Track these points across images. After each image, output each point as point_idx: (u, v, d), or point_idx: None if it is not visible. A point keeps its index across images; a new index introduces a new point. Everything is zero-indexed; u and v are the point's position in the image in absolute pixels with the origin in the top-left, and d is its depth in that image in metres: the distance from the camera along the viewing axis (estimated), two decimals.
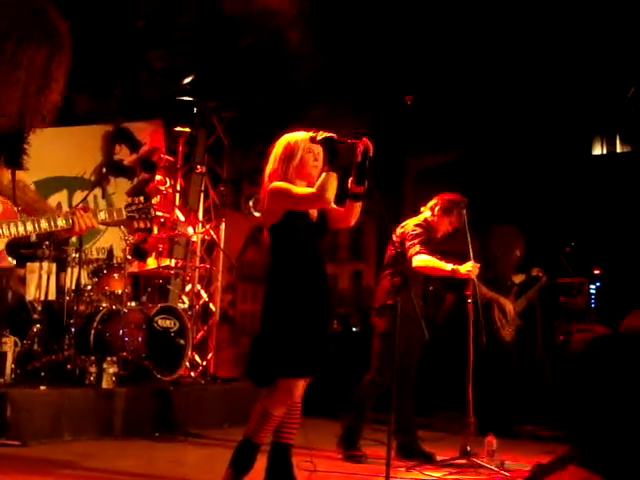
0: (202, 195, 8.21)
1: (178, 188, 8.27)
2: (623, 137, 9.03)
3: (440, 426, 6.92)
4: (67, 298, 6.65)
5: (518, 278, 7.33)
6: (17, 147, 3.54)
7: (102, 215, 3.57)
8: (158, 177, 7.84)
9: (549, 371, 7.74)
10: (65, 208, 7.82)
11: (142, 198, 3.81)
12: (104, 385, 6.12)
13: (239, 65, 7.71)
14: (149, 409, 6.23)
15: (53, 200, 7.97)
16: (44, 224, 3.40)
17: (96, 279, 6.94)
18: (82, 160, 7.87)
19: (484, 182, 8.56)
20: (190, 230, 8.08)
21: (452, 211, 5.64)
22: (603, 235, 8.11)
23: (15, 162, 3.55)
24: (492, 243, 7.25)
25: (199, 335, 8.10)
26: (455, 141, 8.63)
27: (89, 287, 6.88)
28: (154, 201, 7.77)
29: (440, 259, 5.44)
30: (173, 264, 7.69)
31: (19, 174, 3.53)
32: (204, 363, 7.95)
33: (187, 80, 7.96)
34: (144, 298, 7.22)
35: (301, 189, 3.96)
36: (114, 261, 6.99)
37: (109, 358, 6.24)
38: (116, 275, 6.94)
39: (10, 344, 5.97)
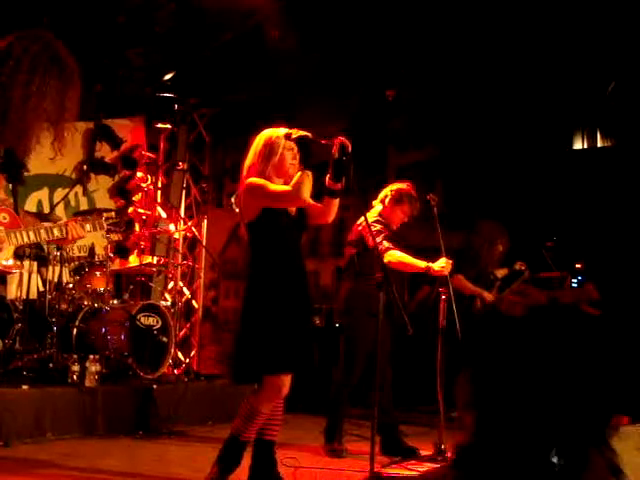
0: (184, 192, 8.19)
1: (160, 185, 8.25)
2: (604, 132, 9.06)
3: (423, 420, 6.94)
4: (49, 296, 6.61)
5: (501, 272, 7.35)
6: (20, 164, 3.70)
7: (88, 227, 3.79)
8: (139, 174, 7.81)
9: None
10: (46, 206, 7.78)
11: (113, 214, 4.13)
12: (87, 384, 6.09)
13: (220, 61, 7.68)
14: (132, 407, 6.20)
15: (34, 198, 7.93)
16: (43, 234, 3.64)
17: (78, 277, 6.90)
18: (63, 158, 7.80)
19: (466, 178, 8.59)
20: (172, 227, 8.06)
21: (403, 201, 5.60)
22: (585, 229, 8.14)
23: (18, 178, 3.72)
24: (475, 238, 7.27)
25: (182, 333, 8.08)
26: (436, 137, 8.64)
27: (71, 285, 6.84)
28: (135, 198, 7.80)
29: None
30: (155, 261, 7.67)
31: None
32: (187, 360, 7.93)
33: (168, 76, 7.92)
34: (126, 296, 7.19)
35: (277, 187, 3.96)
36: (96, 259, 6.95)
37: (91, 356, 6.21)
38: (98, 273, 6.90)
39: None
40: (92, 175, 7.78)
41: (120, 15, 7.29)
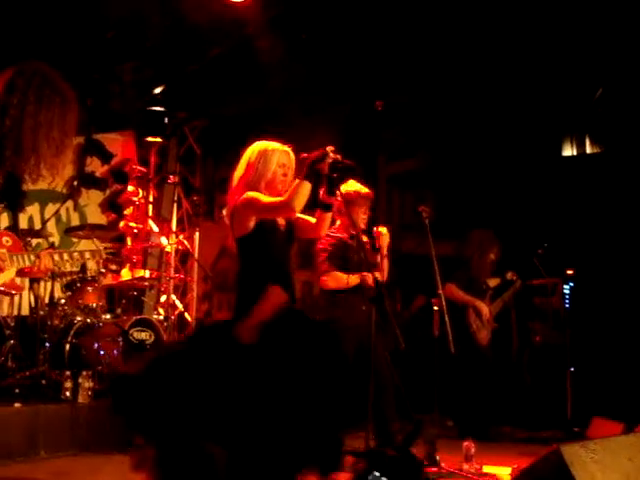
0: (175, 205, 8.19)
1: (151, 199, 8.24)
2: (593, 138, 9.10)
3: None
4: (41, 313, 6.60)
5: (493, 282, 7.38)
6: (20, 192, 3.83)
7: (57, 257, 4.19)
8: (130, 188, 7.80)
9: (526, 371, 7.81)
10: (37, 222, 7.78)
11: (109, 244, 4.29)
12: (80, 400, 6.06)
13: (209, 74, 7.70)
14: None
15: (25, 214, 7.92)
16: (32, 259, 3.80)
17: (70, 293, 6.89)
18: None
19: (456, 186, 8.62)
20: (164, 240, 8.05)
21: (355, 202, 5.48)
22: (575, 236, 8.17)
23: (17, 205, 3.88)
24: (466, 247, 7.30)
25: None
26: (426, 146, 8.67)
27: (63, 301, 6.83)
28: (127, 212, 7.80)
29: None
30: (147, 275, 7.65)
31: None
32: None
33: (158, 90, 7.94)
34: (119, 310, 7.18)
35: (268, 198, 3.96)
36: (87, 274, 6.93)
37: (84, 372, 6.19)
38: (90, 288, 6.89)
39: None
40: (83, 190, 7.77)
41: (110, 30, 7.31)
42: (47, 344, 6.42)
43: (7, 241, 4.12)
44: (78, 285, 6.88)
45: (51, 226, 7.66)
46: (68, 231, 7.33)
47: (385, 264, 5.39)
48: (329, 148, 3.94)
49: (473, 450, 5.31)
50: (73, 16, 6.91)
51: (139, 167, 7.99)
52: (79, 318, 6.73)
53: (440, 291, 5.38)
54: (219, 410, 3.62)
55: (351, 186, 5.58)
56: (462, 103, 8.34)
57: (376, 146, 8.75)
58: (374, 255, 5.33)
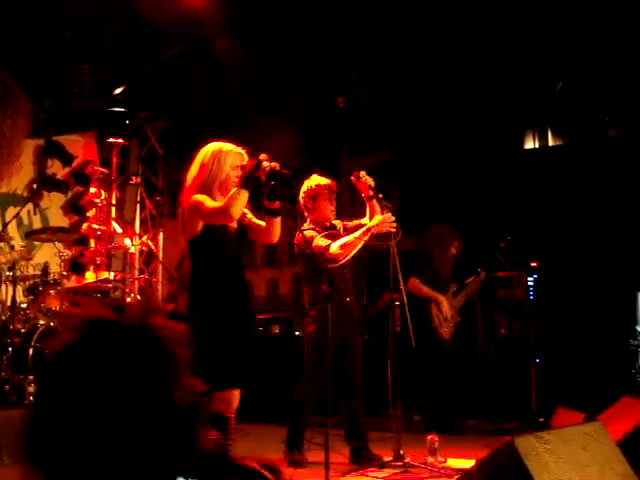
0: (138, 206, 8.14)
1: (114, 200, 8.18)
2: (555, 130, 9.16)
3: (386, 425, 6.97)
4: (2, 317, 6.55)
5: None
6: None
7: None
8: (93, 190, 7.72)
9: (492, 364, 7.86)
10: None
11: None
12: None
13: (169, 74, 7.67)
14: None
15: None
16: None
17: (32, 296, 6.83)
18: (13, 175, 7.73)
19: (419, 180, 8.65)
20: (127, 242, 8.00)
21: (319, 195, 5.57)
22: (539, 228, 8.23)
23: None
24: (427, 242, 7.33)
25: None
26: (388, 140, 8.69)
27: (25, 305, 6.77)
28: (89, 214, 7.73)
29: None
30: (112, 277, 7.60)
31: None
32: None
33: (118, 91, 7.89)
34: None
35: (212, 203, 3.96)
36: (50, 277, 6.88)
37: None
38: (52, 291, 6.83)
39: None
40: (44, 192, 7.70)
41: (67, 30, 7.26)
42: (10, 349, 6.36)
43: None
44: (40, 289, 6.82)
45: (12, 230, 7.59)
46: (29, 234, 7.26)
47: (374, 206, 5.41)
48: (262, 157, 3.99)
49: (437, 444, 5.34)
50: (30, 16, 6.85)
51: (101, 168, 7.92)
52: (42, 322, 6.66)
53: (401, 286, 5.39)
54: None
55: (312, 180, 5.61)
56: (423, 97, 8.36)
57: (338, 142, 8.76)
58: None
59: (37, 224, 7.94)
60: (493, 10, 7.50)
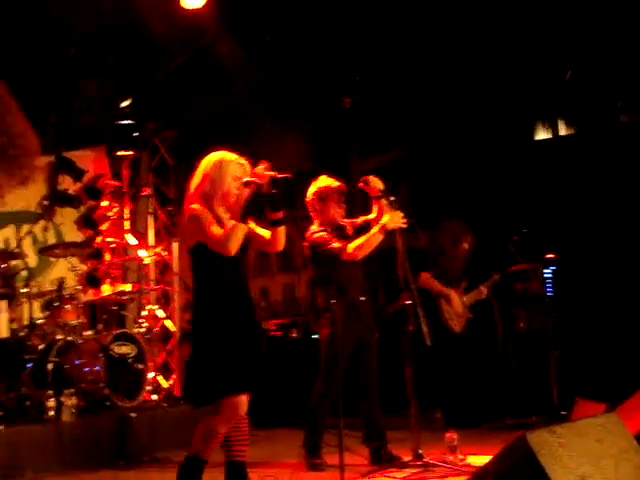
0: (151, 217, 8.18)
1: (126, 212, 8.21)
2: (566, 120, 9.10)
3: (405, 425, 6.93)
4: (21, 334, 6.59)
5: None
6: None
7: None
8: (105, 203, 7.77)
9: (512, 359, 7.81)
10: (13, 243, 7.75)
11: None
12: (64, 418, 6.08)
13: (174, 84, 7.70)
14: (112, 438, 6.18)
15: (1, 236, 7.92)
16: None
17: (48, 312, 6.87)
18: (26, 193, 7.78)
19: (430, 177, 8.61)
20: (142, 253, 8.03)
21: (327, 198, 5.53)
22: (553, 220, 8.17)
23: None
24: (439, 238, 7.31)
25: (161, 358, 8.05)
26: (397, 138, 8.67)
27: (42, 321, 6.81)
28: (103, 227, 7.78)
29: None
30: (128, 289, 7.63)
31: None
32: (168, 385, 7.89)
33: (125, 103, 7.93)
34: (100, 326, 7.16)
35: (213, 229, 3.95)
36: (65, 292, 6.92)
37: (67, 391, 6.19)
38: (68, 306, 6.86)
39: None
40: (57, 208, 7.75)
41: (71, 47, 7.31)
42: (29, 365, 6.41)
43: None
44: (56, 304, 6.86)
45: (27, 247, 7.64)
46: (43, 250, 7.31)
47: (383, 205, 5.41)
48: (259, 169, 4.01)
49: (456, 441, 5.31)
50: (33, 35, 6.91)
51: (112, 182, 7.97)
52: (60, 336, 6.70)
53: (412, 285, 5.36)
54: None
55: (321, 182, 5.58)
56: (432, 92, 8.33)
57: (347, 143, 8.75)
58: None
59: (52, 240, 7.99)
60: (501, 1, 7.47)
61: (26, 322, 6.74)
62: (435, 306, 7.02)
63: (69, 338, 6.68)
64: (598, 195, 8.01)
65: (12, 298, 6.68)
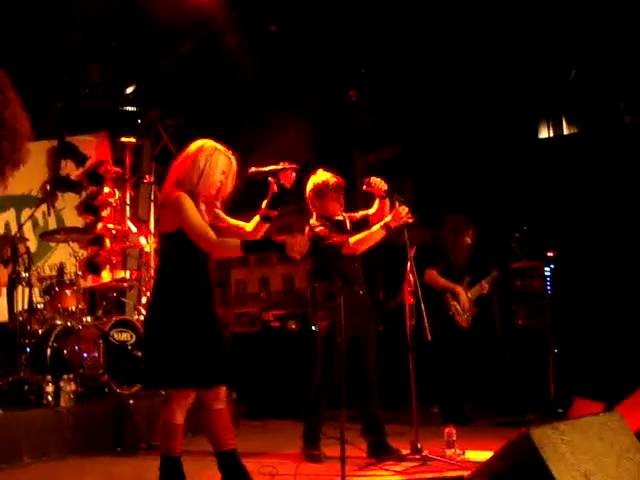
0: (153, 204, 8.15)
1: (128, 199, 8.20)
2: (569, 119, 9.10)
3: (405, 419, 6.95)
4: (20, 318, 6.59)
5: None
6: None
7: None
8: (107, 189, 7.76)
9: (509, 356, 7.83)
10: (14, 227, 7.75)
11: None
12: (62, 404, 6.06)
13: (180, 72, 7.68)
14: (109, 424, 6.16)
15: (1, 220, 7.90)
16: None
17: (48, 297, 6.87)
18: (28, 177, 7.78)
19: (433, 173, 8.61)
20: (142, 241, 8.01)
21: (326, 193, 5.49)
22: (555, 218, 8.18)
23: None
24: (442, 232, 7.32)
25: None
26: (401, 134, 8.66)
27: (41, 306, 6.81)
28: (104, 214, 7.77)
29: None
30: (128, 276, 7.62)
31: None
32: None
33: (129, 90, 7.91)
34: (100, 312, 7.16)
35: (203, 227, 3.88)
36: (65, 278, 6.91)
37: (66, 376, 6.18)
38: (68, 291, 6.87)
39: None
40: (58, 193, 7.74)
41: (77, 31, 7.28)
42: (28, 349, 6.40)
43: None
44: (56, 289, 6.86)
45: (28, 231, 7.63)
46: (44, 235, 7.30)
47: (386, 204, 5.42)
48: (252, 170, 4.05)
49: (455, 436, 5.33)
50: (39, 19, 6.87)
51: (114, 168, 7.96)
52: (59, 322, 6.72)
53: (416, 279, 5.36)
54: None
55: (319, 177, 5.54)
56: (436, 88, 8.32)
57: (351, 137, 8.73)
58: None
59: (52, 225, 7.98)
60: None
61: (26, 307, 6.72)
62: (441, 302, 7.03)
63: (68, 324, 6.69)
64: (599, 195, 8.02)
65: (12, 283, 6.67)
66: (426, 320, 5.19)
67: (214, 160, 3.99)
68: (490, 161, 8.49)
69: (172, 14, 6.69)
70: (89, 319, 6.94)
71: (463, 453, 5.30)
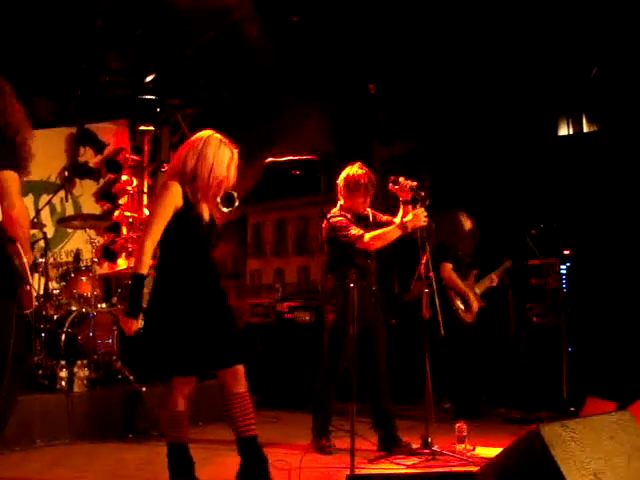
0: None
1: (145, 187, 8.23)
2: (589, 116, 9.03)
3: (416, 414, 6.94)
4: (36, 303, 6.62)
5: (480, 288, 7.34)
6: None
7: None
8: (124, 177, 7.80)
9: (523, 353, 7.80)
10: (31, 212, 7.78)
11: None
12: (75, 389, 6.11)
13: (200, 61, 7.68)
14: (121, 411, 6.20)
15: None
16: None
17: (64, 283, 6.91)
18: (47, 163, 7.82)
19: (450, 167, 8.58)
20: None
21: (355, 188, 5.46)
22: (573, 216, 8.13)
23: None
24: (443, 230, 7.23)
25: None
26: (420, 127, 8.63)
27: (57, 291, 6.84)
28: (121, 201, 7.81)
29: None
30: None
31: None
32: None
33: (149, 79, 7.93)
34: (115, 299, 7.19)
35: (159, 221, 3.84)
36: (81, 264, 6.95)
37: (80, 362, 6.22)
38: (84, 278, 6.91)
39: None
40: (77, 180, 7.78)
41: (98, 19, 7.30)
42: (42, 334, 6.45)
43: None
44: (72, 275, 6.90)
45: (45, 217, 7.68)
46: (61, 221, 7.33)
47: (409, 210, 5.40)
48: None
49: (466, 432, 5.32)
50: (61, 7, 6.90)
51: (132, 156, 7.99)
52: (74, 308, 6.75)
53: (431, 274, 5.35)
54: None
55: (352, 170, 5.49)
56: (456, 84, 8.29)
57: (370, 129, 8.71)
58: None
59: (70, 211, 8.03)
60: None
61: (41, 292, 6.76)
62: (445, 296, 6.96)
63: (83, 310, 6.72)
64: (618, 194, 7.96)
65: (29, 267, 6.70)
66: (440, 315, 5.18)
67: (221, 153, 3.94)
68: (509, 157, 8.45)
69: (193, 3, 6.69)
70: (104, 306, 6.98)
71: (473, 449, 5.30)
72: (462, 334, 7.00)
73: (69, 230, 7.77)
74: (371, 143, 8.81)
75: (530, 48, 7.88)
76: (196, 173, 3.91)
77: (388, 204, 5.76)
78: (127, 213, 7.64)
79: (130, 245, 7.66)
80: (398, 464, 5.05)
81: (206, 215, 4.01)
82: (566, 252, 7.63)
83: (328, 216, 5.50)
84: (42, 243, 6.99)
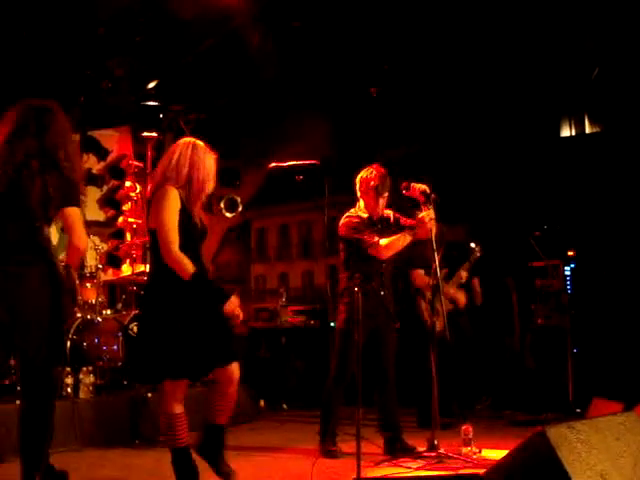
0: None
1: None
2: (592, 117, 9.05)
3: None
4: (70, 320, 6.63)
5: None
6: None
7: None
8: (128, 183, 7.81)
9: (528, 354, 7.80)
10: None
11: None
12: (81, 396, 6.12)
13: (202, 68, 7.71)
14: (127, 417, 6.21)
15: None
16: None
17: None
18: None
19: (453, 170, 8.59)
20: None
21: (366, 191, 5.45)
22: (576, 217, 8.14)
23: None
24: None
25: None
26: (423, 131, 8.65)
27: None
28: (125, 208, 7.82)
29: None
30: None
31: None
32: None
33: (151, 85, 7.95)
34: (119, 306, 7.21)
35: (173, 227, 3.84)
36: (86, 271, 6.96)
37: (85, 368, 6.23)
38: (89, 284, 6.92)
39: None
40: None
41: (100, 27, 7.33)
42: None
43: None
44: (77, 282, 6.89)
45: None
46: None
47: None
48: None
49: (471, 434, 5.31)
50: (63, 15, 6.93)
51: (136, 162, 8.00)
52: (79, 314, 6.76)
53: (438, 280, 5.38)
54: None
55: (368, 173, 5.48)
56: (459, 86, 8.31)
57: (372, 133, 8.73)
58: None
59: None
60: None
61: None
62: (413, 303, 6.79)
63: (88, 316, 6.73)
64: (621, 194, 7.97)
65: None
66: (445, 320, 5.18)
67: (207, 160, 4.00)
68: (511, 159, 8.47)
69: (195, 10, 6.71)
70: (109, 312, 6.99)
71: (479, 451, 5.29)
72: (428, 341, 6.78)
73: None
74: (373, 146, 8.82)
75: (532, 50, 7.90)
76: (191, 178, 3.95)
77: (402, 208, 5.72)
78: (131, 219, 7.65)
79: (134, 251, 7.67)
80: (404, 467, 5.05)
81: (197, 219, 4.04)
82: (570, 253, 7.63)
83: (345, 215, 5.51)
84: None
